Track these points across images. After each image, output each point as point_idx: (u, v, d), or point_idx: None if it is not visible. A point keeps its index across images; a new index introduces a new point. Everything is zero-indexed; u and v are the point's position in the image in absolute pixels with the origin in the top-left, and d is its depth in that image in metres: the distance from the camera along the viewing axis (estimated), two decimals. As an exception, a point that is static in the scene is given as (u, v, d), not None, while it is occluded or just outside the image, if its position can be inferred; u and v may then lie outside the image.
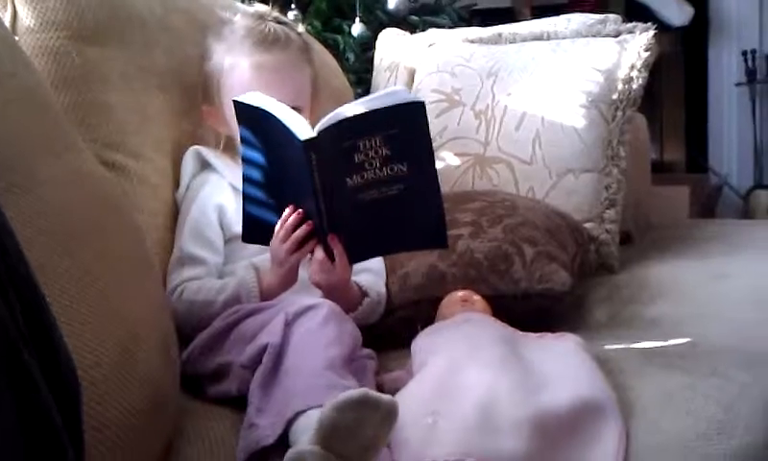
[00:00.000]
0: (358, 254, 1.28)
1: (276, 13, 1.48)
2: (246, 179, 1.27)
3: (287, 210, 1.23)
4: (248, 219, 1.28)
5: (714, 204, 3.79)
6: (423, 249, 1.38)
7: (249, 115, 1.24)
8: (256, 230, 1.27)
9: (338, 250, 1.23)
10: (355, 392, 0.87)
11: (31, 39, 1.21)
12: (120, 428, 0.87)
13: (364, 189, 1.19)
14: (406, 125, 1.17)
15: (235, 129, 1.29)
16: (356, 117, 1.16)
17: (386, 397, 0.88)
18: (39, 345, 0.57)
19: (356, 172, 1.18)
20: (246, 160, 1.27)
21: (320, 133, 1.16)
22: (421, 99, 1.21)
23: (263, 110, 1.21)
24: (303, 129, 1.17)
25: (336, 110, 1.18)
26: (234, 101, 1.25)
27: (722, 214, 3.74)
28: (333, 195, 1.20)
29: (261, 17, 1.45)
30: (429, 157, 1.21)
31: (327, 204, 1.20)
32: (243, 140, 1.26)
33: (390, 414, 0.88)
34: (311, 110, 1.41)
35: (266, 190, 1.26)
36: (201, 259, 1.35)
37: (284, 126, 1.18)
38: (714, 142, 3.98)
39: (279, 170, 1.24)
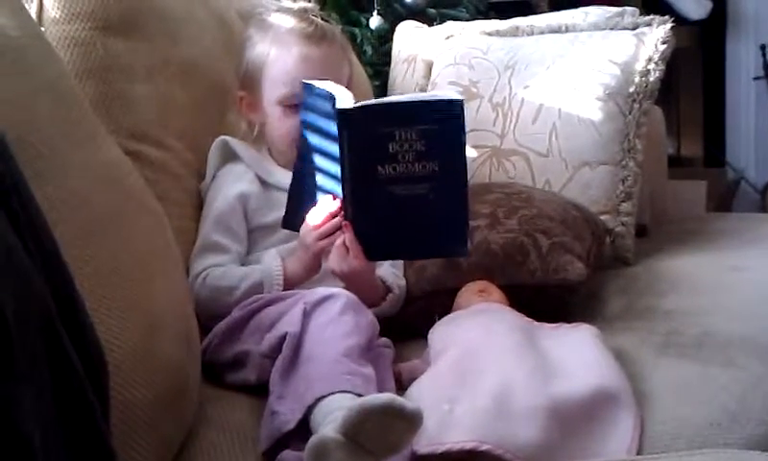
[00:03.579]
0: (379, 252, 1.29)
1: (317, 10, 1.51)
2: (296, 172, 1.32)
3: (326, 198, 1.27)
4: (291, 206, 1.31)
5: (731, 198, 3.77)
6: (443, 255, 1.37)
7: (310, 97, 1.28)
8: (295, 218, 1.30)
9: (349, 237, 1.25)
10: (381, 398, 0.88)
11: (56, 30, 1.23)
12: (143, 412, 0.89)
13: (394, 182, 1.20)
14: (443, 121, 1.17)
15: (269, 116, 1.33)
16: (395, 104, 1.18)
17: (411, 405, 0.88)
18: (68, 325, 0.59)
19: (389, 162, 1.19)
20: (304, 143, 1.31)
21: (355, 108, 1.18)
22: (461, 97, 1.20)
23: (323, 90, 1.24)
24: (346, 100, 1.20)
25: (377, 99, 1.20)
26: (304, 82, 1.30)
27: (739, 209, 3.71)
28: (363, 181, 1.21)
29: (306, 11, 1.48)
30: (462, 159, 1.21)
31: (354, 190, 1.22)
32: (304, 125, 1.31)
33: (414, 422, 0.88)
34: None
35: (311, 180, 1.29)
36: (224, 247, 1.37)
37: (331, 95, 1.21)
38: (732, 137, 3.96)
39: (321, 154, 1.26)
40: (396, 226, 1.24)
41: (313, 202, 1.29)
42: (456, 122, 1.18)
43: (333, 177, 1.25)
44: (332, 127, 1.21)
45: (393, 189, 1.20)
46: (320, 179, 1.29)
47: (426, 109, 1.18)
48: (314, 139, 1.28)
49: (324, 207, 1.27)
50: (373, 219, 1.24)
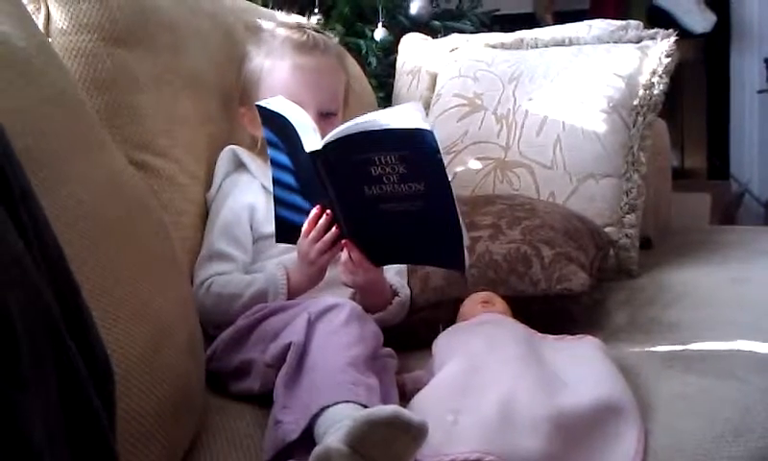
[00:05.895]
0: (382, 258, 1.29)
1: (313, 24, 1.53)
2: (275, 180, 1.29)
3: (314, 211, 1.26)
4: (279, 220, 1.30)
5: (735, 211, 3.77)
6: (441, 267, 1.37)
7: (271, 120, 1.26)
8: (287, 231, 1.29)
9: (355, 255, 1.26)
10: (387, 410, 0.88)
11: (63, 41, 1.23)
12: (147, 421, 0.89)
13: (384, 200, 1.19)
14: (417, 149, 1.14)
15: None
16: (365, 134, 1.15)
17: (417, 418, 0.88)
18: (75, 333, 0.59)
19: (374, 183, 1.18)
20: (273, 163, 1.29)
21: (325, 146, 1.17)
22: (429, 128, 1.14)
23: (282, 116, 1.23)
24: (312, 139, 1.19)
25: (347, 123, 1.18)
26: (257, 105, 1.28)
27: (743, 221, 3.72)
28: (350, 202, 1.21)
29: (300, 24, 1.50)
30: (444, 181, 1.16)
31: (345, 210, 1.22)
32: (269, 143, 1.29)
33: (419, 435, 0.89)
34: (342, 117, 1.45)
35: (294, 192, 1.28)
36: (229, 256, 1.37)
37: (297, 134, 1.20)
38: (736, 149, 3.96)
39: (303, 174, 1.25)
40: (395, 238, 1.23)
41: (301, 213, 1.28)
42: (429, 150, 1.13)
43: (313, 190, 1.24)
44: (302, 150, 1.19)
45: (383, 207, 1.19)
46: (301, 193, 1.28)
47: (397, 136, 1.14)
48: (284, 158, 1.27)
49: (316, 220, 1.26)
50: (369, 232, 1.24)
